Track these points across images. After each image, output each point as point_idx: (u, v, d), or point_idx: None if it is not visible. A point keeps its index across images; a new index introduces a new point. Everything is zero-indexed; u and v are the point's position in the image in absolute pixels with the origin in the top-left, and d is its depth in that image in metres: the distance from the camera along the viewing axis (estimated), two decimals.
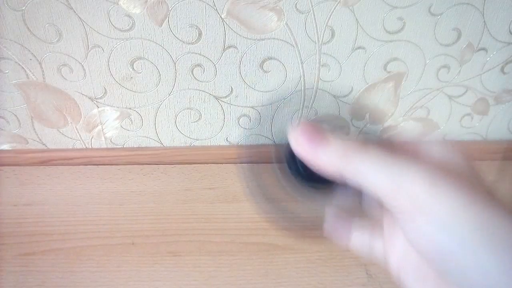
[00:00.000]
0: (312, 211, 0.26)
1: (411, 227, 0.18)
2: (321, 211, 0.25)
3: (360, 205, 0.25)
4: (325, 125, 0.21)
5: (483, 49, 0.53)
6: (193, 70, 0.51)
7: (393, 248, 0.22)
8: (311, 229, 0.46)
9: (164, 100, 0.54)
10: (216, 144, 0.59)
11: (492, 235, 0.17)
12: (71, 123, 0.55)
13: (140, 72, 0.51)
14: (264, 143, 0.59)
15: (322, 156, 0.20)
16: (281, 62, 0.51)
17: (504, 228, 0.17)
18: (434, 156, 0.21)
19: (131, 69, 0.51)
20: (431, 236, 0.18)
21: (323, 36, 0.50)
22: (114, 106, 0.54)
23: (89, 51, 0.49)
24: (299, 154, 0.21)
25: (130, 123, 0.56)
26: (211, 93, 0.54)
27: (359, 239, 0.26)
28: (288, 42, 0.50)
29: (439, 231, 0.17)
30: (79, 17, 0.46)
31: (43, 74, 0.50)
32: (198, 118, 0.56)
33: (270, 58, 0.51)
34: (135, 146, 0.58)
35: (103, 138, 0.57)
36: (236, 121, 0.57)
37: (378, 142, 0.21)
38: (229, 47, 0.50)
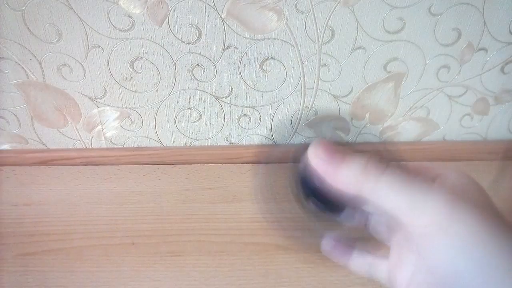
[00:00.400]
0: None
1: (429, 248, 0.19)
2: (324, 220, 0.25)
3: (365, 227, 0.25)
4: (344, 145, 0.21)
5: (483, 49, 0.53)
6: (193, 70, 0.51)
7: (401, 269, 0.22)
8: (311, 230, 0.46)
9: (164, 100, 0.54)
10: (216, 144, 0.59)
11: (509, 260, 0.17)
12: (71, 123, 0.55)
13: (140, 72, 0.51)
14: (264, 143, 0.59)
15: (341, 175, 0.21)
16: (281, 62, 0.51)
17: None
18: (450, 180, 0.21)
19: (131, 69, 0.51)
20: (449, 257, 0.18)
21: (323, 36, 0.50)
22: (114, 106, 0.54)
23: (89, 51, 0.49)
24: (319, 172, 0.21)
25: (130, 123, 0.56)
26: (211, 93, 0.54)
27: (360, 260, 0.26)
28: (288, 42, 0.50)
29: (458, 252, 0.18)
30: (79, 17, 0.46)
31: (43, 74, 0.50)
32: (198, 118, 0.56)
33: (270, 58, 0.51)
34: (135, 146, 0.58)
35: (103, 138, 0.57)
36: (236, 121, 0.57)
37: (396, 163, 0.21)
38: (229, 47, 0.50)
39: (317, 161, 0.21)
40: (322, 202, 0.23)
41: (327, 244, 0.27)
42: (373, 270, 0.25)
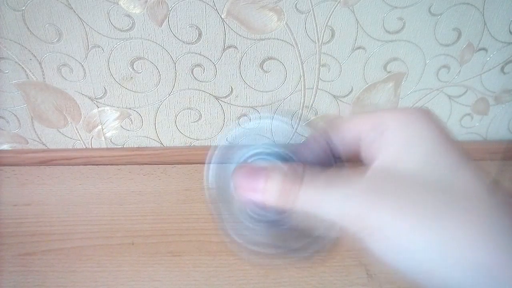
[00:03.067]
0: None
1: (367, 245, 0.18)
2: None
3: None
4: (265, 161, 0.21)
5: (483, 49, 0.53)
6: (193, 70, 0.51)
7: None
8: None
9: (164, 100, 0.54)
10: (216, 144, 0.59)
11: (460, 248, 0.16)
12: (71, 123, 0.55)
13: (140, 72, 0.51)
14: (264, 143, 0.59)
15: (263, 196, 0.20)
16: (281, 62, 0.51)
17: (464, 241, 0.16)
18: (393, 141, 0.19)
19: (131, 69, 0.51)
20: (388, 255, 0.17)
21: (323, 36, 0.50)
22: (114, 106, 0.54)
23: (89, 51, 0.49)
24: (242, 199, 0.21)
25: (130, 123, 0.56)
26: (211, 93, 0.54)
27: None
28: (288, 42, 0.50)
29: (395, 250, 0.17)
30: (79, 17, 0.46)
31: (43, 74, 0.50)
32: (198, 118, 0.56)
33: (270, 58, 0.51)
34: (135, 146, 0.58)
35: (103, 138, 0.57)
36: (236, 121, 0.57)
37: (313, 168, 0.20)
38: (229, 47, 0.50)
39: (240, 191, 0.21)
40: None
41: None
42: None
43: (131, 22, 0.47)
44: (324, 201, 0.18)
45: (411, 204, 0.17)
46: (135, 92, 0.53)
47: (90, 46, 0.48)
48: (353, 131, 0.21)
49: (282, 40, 0.50)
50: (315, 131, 0.22)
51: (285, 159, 0.22)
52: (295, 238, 0.22)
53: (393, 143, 0.19)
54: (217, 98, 0.54)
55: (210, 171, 0.23)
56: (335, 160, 0.22)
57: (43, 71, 0.50)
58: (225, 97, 0.54)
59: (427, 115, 0.19)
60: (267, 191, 0.20)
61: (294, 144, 0.22)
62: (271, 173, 0.20)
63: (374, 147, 0.20)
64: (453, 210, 0.16)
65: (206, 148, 0.58)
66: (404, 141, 0.18)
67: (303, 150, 0.23)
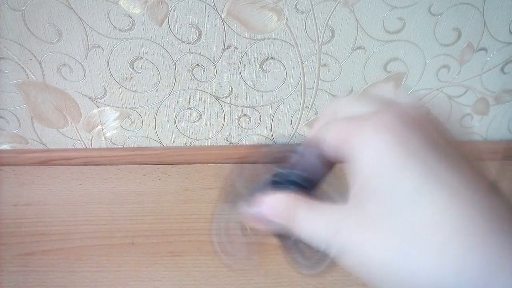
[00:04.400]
0: None
1: (349, 265, 0.20)
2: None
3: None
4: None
5: (483, 49, 0.53)
6: (193, 70, 0.51)
7: None
8: None
9: (164, 100, 0.54)
10: (216, 144, 0.59)
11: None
12: (71, 123, 0.55)
13: (140, 72, 0.51)
14: (264, 143, 0.59)
15: (272, 225, 0.22)
16: (281, 62, 0.51)
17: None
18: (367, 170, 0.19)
19: (131, 69, 0.51)
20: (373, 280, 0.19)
21: (323, 36, 0.50)
22: (114, 106, 0.54)
23: (89, 51, 0.49)
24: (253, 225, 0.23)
25: (130, 123, 0.56)
26: (211, 93, 0.54)
27: None
28: (288, 42, 0.50)
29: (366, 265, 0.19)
30: (79, 17, 0.46)
31: (43, 74, 0.50)
32: (198, 118, 0.56)
33: (270, 58, 0.51)
34: (135, 146, 0.58)
35: (103, 138, 0.57)
36: (236, 121, 0.57)
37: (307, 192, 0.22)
38: (229, 47, 0.50)
39: (254, 223, 0.23)
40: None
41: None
42: None
43: (131, 22, 0.47)
44: (317, 234, 0.20)
45: (377, 236, 0.18)
46: (135, 92, 0.53)
47: (90, 46, 0.48)
48: (331, 142, 0.22)
49: (282, 40, 0.50)
50: (305, 144, 0.23)
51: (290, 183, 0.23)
52: (305, 255, 0.24)
53: (360, 172, 0.19)
54: (217, 98, 0.54)
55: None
56: (326, 169, 0.23)
57: (43, 71, 0.50)
58: (225, 97, 0.54)
59: (395, 125, 0.19)
60: (273, 222, 0.22)
61: (286, 166, 0.23)
62: (273, 205, 0.22)
63: (349, 170, 0.21)
64: (412, 247, 0.17)
65: (206, 148, 0.59)
66: (369, 171, 0.19)
67: (297, 167, 0.24)
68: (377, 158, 0.18)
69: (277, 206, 0.22)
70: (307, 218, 0.21)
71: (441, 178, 0.17)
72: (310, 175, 0.23)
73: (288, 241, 0.24)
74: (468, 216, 0.16)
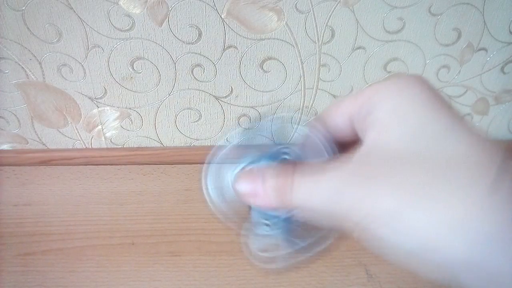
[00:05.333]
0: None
1: (365, 239, 0.17)
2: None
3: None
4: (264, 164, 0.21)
5: (483, 49, 0.53)
6: (193, 70, 0.51)
7: None
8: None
9: (164, 100, 0.54)
10: (216, 144, 0.59)
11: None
12: (71, 123, 0.55)
13: (140, 72, 0.51)
14: (264, 143, 0.59)
15: (262, 200, 0.20)
16: (281, 62, 0.51)
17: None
18: (384, 117, 0.18)
19: (131, 69, 0.51)
20: (387, 244, 0.16)
21: (323, 36, 0.50)
22: (114, 106, 0.54)
23: (89, 51, 0.49)
24: (244, 202, 0.21)
25: (130, 123, 0.56)
26: (211, 93, 0.54)
27: None
28: (288, 42, 0.50)
29: (394, 236, 0.16)
30: (79, 17, 0.46)
31: (43, 74, 0.50)
32: (198, 118, 0.56)
33: (270, 58, 0.51)
34: (135, 146, 0.58)
35: (103, 138, 0.57)
36: (236, 121, 0.57)
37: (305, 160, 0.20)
38: (229, 47, 0.50)
39: (242, 197, 0.21)
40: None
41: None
42: None
43: (131, 22, 0.47)
44: (315, 195, 0.18)
45: (405, 182, 0.16)
46: (135, 92, 0.53)
47: (90, 46, 0.48)
48: (344, 115, 0.21)
49: (282, 40, 0.50)
50: (308, 127, 0.22)
51: (281, 159, 0.22)
52: (302, 236, 0.21)
53: (379, 118, 0.18)
54: (217, 98, 0.54)
55: (210, 173, 0.23)
56: (331, 151, 0.21)
57: (43, 71, 0.50)
58: (225, 97, 0.54)
59: (417, 82, 0.18)
60: (265, 193, 0.20)
61: (290, 143, 0.21)
62: (265, 175, 0.20)
63: (364, 127, 0.19)
64: (448, 182, 0.15)
65: (206, 148, 0.58)
66: (390, 115, 0.18)
67: (300, 148, 0.22)
68: (399, 104, 0.17)
69: (268, 181, 0.20)
70: (303, 186, 0.18)
71: (466, 121, 0.17)
72: (315, 157, 0.21)
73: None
74: (499, 151, 0.15)
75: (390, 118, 0.17)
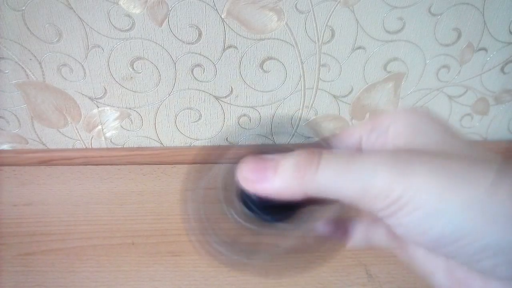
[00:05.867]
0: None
1: (395, 222, 0.17)
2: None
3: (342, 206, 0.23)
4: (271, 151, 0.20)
5: (483, 49, 0.53)
6: (193, 70, 0.51)
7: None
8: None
9: (164, 100, 0.54)
10: (216, 144, 0.59)
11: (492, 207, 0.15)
12: (71, 123, 0.55)
13: (140, 72, 0.51)
14: (264, 143, 0.59)
15: (273, 184, 0.19)
16: (281, 62, 0.51)
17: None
18: (399, 131, 0.19)
19: (131, 69, 0.51)
20: (423, 226, 0.16)
21: (323, 36, 0.50)
22: (114, 106, 0.54)
23: (89, 51, 0.49)
24: (250, 192, 0.20)
25: (130, 123, 0.56)
26: (211, 93, 0.54)
27: (358, 234, 0.24)
28: (288, 42, 0.50)
29: (430, 219, 0.16)
30: (79, 17, 0.46)
31: (43, 74, 0.50)
32: (198, 118, 0.56)
33: (270, 58, 0.51)
34: (135, 146, 0.58)
35: (103, 138, 0.57)
36: (236, 121, 0.57)
37: (331, 149, 0.20)
38: (229, 47, 0.50)
39: (247, 184, 0.20)
40: (268, 213, 0.21)
41: (323, 228, 0.24)
42: (373, 239, 0.24)
43: (131, 22, 0.47)
44: (346, 178, 0.17)
45: (441, 167, 0.16)
46: (135, 92, 0.53)
47: (90, 46, 0.48)
48: (353, 136, 0.21)
49: (282, 40, 0.50)
50: (317, 137, 0.22)
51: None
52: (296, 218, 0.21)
53: (399, 132, 0.19)
54: (217, 98, 0.54)
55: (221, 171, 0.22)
56: None
57: (43, 71, 0.50)
58: (225, 97, 0.54)
59: (428, 112, 0.20)
60: (278, 177, 0.19)
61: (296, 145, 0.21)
62: (281, 160, 0.19)
63: (379, 143, 0.20)
64: (483, 169, 0.16)
65: (206, 148, 0.58)
66: (409, 128, 0.19)
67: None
68: (415, 121, 0.19)
69: (285, 164, 0.19)
70: (332, 170, 0.17)
71: (471, 143, 0.18)
72: None
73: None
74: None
75: (410, 130, 0.18)
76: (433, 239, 0.16)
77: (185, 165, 0.58)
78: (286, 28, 0.49)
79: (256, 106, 0.55)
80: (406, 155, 0.17)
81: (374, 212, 0.17)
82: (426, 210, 0.16)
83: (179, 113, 0.55)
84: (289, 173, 0.18)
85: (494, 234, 0.15)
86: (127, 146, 0.58)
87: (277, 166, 0.19)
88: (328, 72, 0.53)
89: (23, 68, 0.50)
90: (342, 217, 0.24)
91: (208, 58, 0.50)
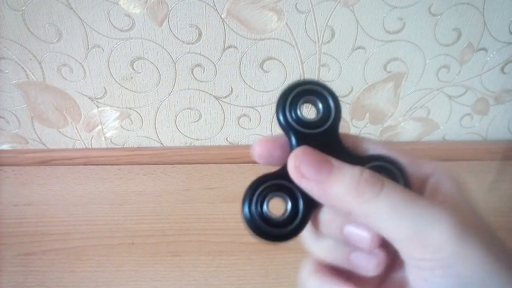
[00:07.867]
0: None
1: (423, 276, 0.17)
2: None
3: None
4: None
5: (483, 49, 0.53)
6: (193, 70, 0.51)
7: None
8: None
9: (164, 100, 0.54)
10: (216, 144, 0.59)
11: None
12: (71, 123, 0.55)
13: (140, 72, 0.51)
14: None
15: (330, 189, 0.18)
16: (281, 62, 0.51)
17: None
18: (445, 192, 0.19)
19: (131, 69, 0.51)
20: None
21: (323, 36, 0.50)
22: (114, 106, 0.54)
23: (89, 51, 0.49)
24: (304, 187, 0.19)
25: (130, 123, 0.56)
26: (211, 93, 0.54)
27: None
28: (288, 42, 0.50)
29: (457, 286, 0.16)
30: (79, 17, 0.46)
31: (43, 74, 0.50)
32: (198, 118, 0.56)
33: (270, 58, 0.51)
34: (135, 146, 0.58)
35: (103, 138, 0.57)
36: (236, 121, 0.57)
37: (391, 181, 0.19)
38: (229, 47, 0.50)
39: (301, 174, 0.18)
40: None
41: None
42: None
43: (131, 22, 0.47)
44: (403, 215, 0.17)
45: (492, 246, 0.17)
46: (135, 92, 0.53)
47: (90, 46, 0.48)
48: (421, 171, 0.21)
49: (282, 40, 0.50)
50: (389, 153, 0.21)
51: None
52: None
53: (449, 189, 0.19)
54: (217, 98, 0.54)
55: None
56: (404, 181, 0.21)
57: (43, 71, 0.50)
58: (225, 97, 0.54)
59: (464, 182, 0.20)
60: (336, 185, 0.18)
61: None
62: (344, 169, 0.18)
63: (417, 184, 0.20)
64: None
65: (206, 148, 0.59)
66: (456, 192, 0.19)
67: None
68: (460, 187, 0.19)
69: (345, 177, 0.18)
70: (391, 201, 0.17)
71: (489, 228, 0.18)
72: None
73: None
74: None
75: (458, 193, 0.19)
76: None
77: (185, 165, 0.58)
78: (286, 28, 0.49)
79: (256, 106, 0.55)
80: (467, 220, 0.17)
81: (409, 259, 0.17)
82: (464, 280, 0.16)
83: (179, 113, 0.55)
84: (346, 185, 0.18)
85: None
86: (127, 146, 0.58)
87: (334, 168, 0.18)
88: (328, 72, 0.53)
89: (23, 68, 0.50)
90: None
91: (208, 58, 0.50)
